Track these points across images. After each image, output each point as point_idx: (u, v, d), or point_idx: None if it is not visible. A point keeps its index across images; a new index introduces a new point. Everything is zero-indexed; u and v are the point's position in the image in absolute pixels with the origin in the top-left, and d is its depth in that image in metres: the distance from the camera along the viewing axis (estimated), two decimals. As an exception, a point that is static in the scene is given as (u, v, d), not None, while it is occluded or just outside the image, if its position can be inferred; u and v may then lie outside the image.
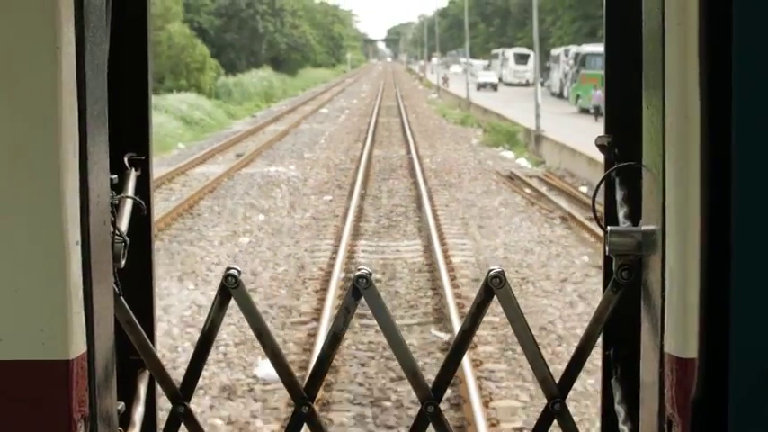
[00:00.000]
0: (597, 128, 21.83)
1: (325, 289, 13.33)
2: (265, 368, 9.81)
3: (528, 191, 23.45)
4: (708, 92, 1.90)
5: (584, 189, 23.16)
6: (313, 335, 11.19)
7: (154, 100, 14.22)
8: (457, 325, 11.21)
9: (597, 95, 43.39)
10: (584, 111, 49.59)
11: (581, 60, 56.73)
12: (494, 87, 76.19)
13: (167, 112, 40.74)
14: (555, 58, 68.69)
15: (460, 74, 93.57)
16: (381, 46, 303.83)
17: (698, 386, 1.92)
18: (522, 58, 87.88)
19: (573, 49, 62.27)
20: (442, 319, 12.00)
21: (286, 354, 9.91)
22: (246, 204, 21.02)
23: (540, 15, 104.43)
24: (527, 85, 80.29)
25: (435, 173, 26.69)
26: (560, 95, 62.43)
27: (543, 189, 23.49)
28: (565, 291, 13.50)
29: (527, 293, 13.27)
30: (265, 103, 61.81)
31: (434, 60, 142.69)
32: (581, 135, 29.45)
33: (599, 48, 56.53)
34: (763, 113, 1.84)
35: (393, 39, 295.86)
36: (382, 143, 35.62)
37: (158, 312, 12.02)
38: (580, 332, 13.52)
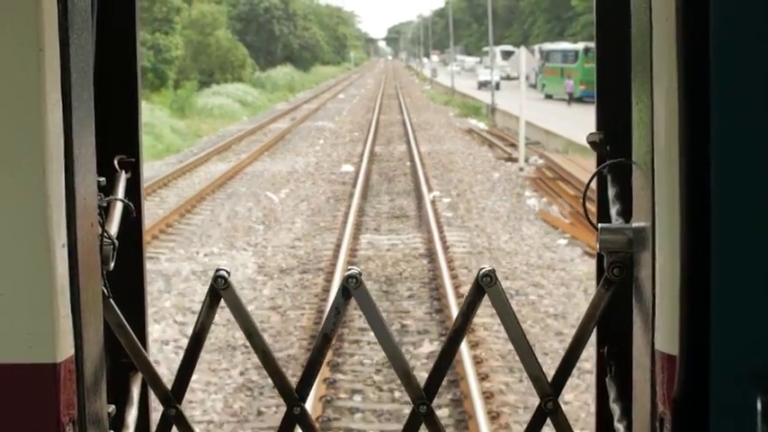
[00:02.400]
0: (543, 106, 41.86)
1: (365, 143, 30.35)
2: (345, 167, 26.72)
3: (474, 135, 40.30)
4: (688, 88, 1.88)
5: (504, 132, 40.01)
6: (362, 147, 27.99)
7: (214, 88, 43.03)
8: (414, 149, 28.66)
9: (570, 84, 58.25)
10: (549, 96, 63.87)
11: (545, 56, 72.94)
12: (495, 86, 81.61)
13: (228, 97, 57.43)
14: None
15: (460, 72, 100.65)
16: (382, 44, 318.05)
17: (680, 384, 1.91)
18: (507, 55, 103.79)
19: (538, 47, 78.66)
20: (412, 158, 28.90)
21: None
22: (311, 137, 38.11)
23: (521, 17, 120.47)
24: (509, 78, 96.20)
25: (418, 125, 43.71)
26: (534, 86, 77.87)
27: (483, 134, 40.24)
28: (465, 156, 30.52)
29: (455, 162, 30.12)
30: (291, 93, 78.74)
31: (434, 58, 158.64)
32: (533, 111, 46.07)
33: (559, 45, 73.00)
34: (742, 109, 1.84)
35: (393, 38, 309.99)
36: (385, 113, 52.62)
37: (295, 163, 32.13)
38: (469, 155, 33.07)
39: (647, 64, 2.05)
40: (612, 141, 2.78)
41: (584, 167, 23.48)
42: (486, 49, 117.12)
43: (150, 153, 30.90)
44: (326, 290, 13.61)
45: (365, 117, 48.99)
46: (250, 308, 13.57)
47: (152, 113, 38.17)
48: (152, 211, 19.78)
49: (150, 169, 26.08)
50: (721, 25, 1.84)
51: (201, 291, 13.63)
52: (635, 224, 2.29)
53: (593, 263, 14.52)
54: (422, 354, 11.07)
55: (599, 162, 2.84)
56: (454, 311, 12.05)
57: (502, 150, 32.75)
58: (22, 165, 1.99)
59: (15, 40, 1.98)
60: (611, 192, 2.69)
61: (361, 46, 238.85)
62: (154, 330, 11.83)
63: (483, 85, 76.15)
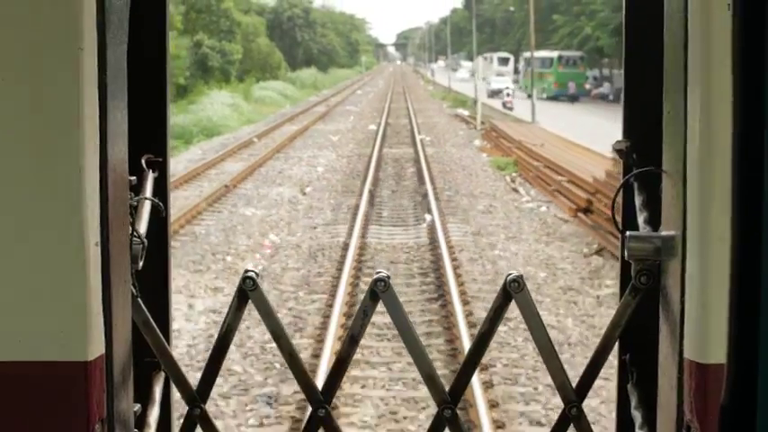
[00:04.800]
0: (522, 102, 63.71)
1: (381, 117, 48.97)
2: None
3: (458, 118, 58.95)
4: (738, 97, 1.83)
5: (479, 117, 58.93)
6: (382, 106, 46.61)
7: (265, 84, 72.07)
8: (414, 121, 47.81)
9: (554, 87, 77.60)
10: (529, 96, 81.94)
11: (527, 62, 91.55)
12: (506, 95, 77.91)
13: (272, 91, 76.11)
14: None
15: (468, 78, 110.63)
16: (391, 50, 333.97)
17: (726, 393, 1.89)
18: (503, 60, 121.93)
19: (523, 54, 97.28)
20: (411, 125, 47.54)
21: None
22: (344, 114, 57.00)
23: (515, 27, 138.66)
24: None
25: (418, 110, 62.58)
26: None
27: (463, 116, 58.79)
28: (447, 128, 49.28)
29: (438, 126, 48.74)
30: (316, 90, 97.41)
31: (441, 63, 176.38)
32: (491, 100, 64.55)
33: (539, 53, 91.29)
34: None
35: (402, 43, 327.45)
36: (394, 102, 71.53)
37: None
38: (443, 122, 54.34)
39: (681, 73, 2.05)
40: (639, 150, 2.75)
41: (512, 128, 42.02)
42: (485, 55, 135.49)
43: (238, 122, 49.61)
44: (370, 157, 32.23)
45: (380, 105, 67.86)
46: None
47: (232, 98, 56.75)
48: (269, 146, 38.35)
49: (247, 131, 44.98)
50: None
51: (306, 168, 32.06)
52: (664, 232, 2.30)
53: (486, 159, 34.65)
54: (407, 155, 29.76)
55: (625, 170, 2.81)
56: (423, 163, 30.94)
57: (471, 123, 51.31)
58: (59, 163, 2.02)
59: (56, 39, 2.00)
60: (637, 200, 2.66)
61: (371, 51, 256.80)
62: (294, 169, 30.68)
63: (495, 93, 76.61)
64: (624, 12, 2.91)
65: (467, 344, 10.94)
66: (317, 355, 11.00)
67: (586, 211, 21.27)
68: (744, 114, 1.82)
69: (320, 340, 11.70)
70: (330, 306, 13.34)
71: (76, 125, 2.02)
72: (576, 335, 12.65)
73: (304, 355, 11.35)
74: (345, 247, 17.51)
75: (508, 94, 66.99)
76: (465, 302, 13.47)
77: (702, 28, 1.96)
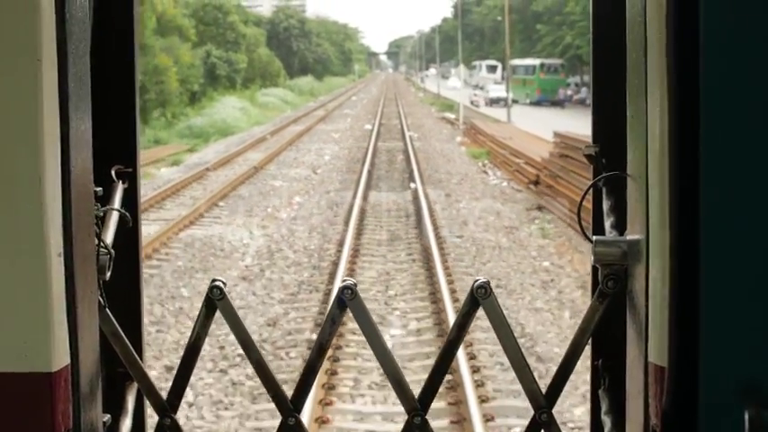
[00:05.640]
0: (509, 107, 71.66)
1: (375, 118, 56.22)
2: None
3: (444, 120, 65.97)
4: (679, 100, 1.92)
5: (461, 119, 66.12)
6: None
7: (266, 91, 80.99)
8: (404, 122, 55.11)
9: (539, 94, 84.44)
10: (515, 101, 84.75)
11: (512, 69, 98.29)
12: (506, 103, 78.30)
13: (274, 97, 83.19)
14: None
15: (459, 87, 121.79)
16: (383, 58, 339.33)
17: (669, 395, 1.95)
18: (491, 68, 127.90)
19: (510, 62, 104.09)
20: (402, 125, 54.74)
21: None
22: (341, 117, 64.13)
23: (502, 36, 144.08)
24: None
25: (408, 113, 69.74)
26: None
27: (448, 118, 65.81)
28: (433, 128, 56.48)
29: (425, 126, 55.93)
30: (313, 97, 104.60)
31: (432, 70, 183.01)
32: (490, 109, 71.28)
33: (523, 61, 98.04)
34: (733, 123, 1.88)
35: (394, 51, 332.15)
36: (387, 107, 78.66)
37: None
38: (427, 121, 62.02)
39: (642, 77, 2.08)
40: (608, 154, 2.77)
41: (490, 126, 49.09)
42: (473, 63, 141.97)
43: (248, 124, 56.73)
44: (367, 148, 39.26)
45: (374, 109, 75.08)
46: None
47: (241, 103, 63.78)
48: (281, 141, 45.34)
49: (258, 130, 52.11)
50: (711, 37, 1.85)
51: (315, 156, 39.21)
52: (629, 237, 2.32)
53: (463, 150, 41.73)
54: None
55: (595, 174, 2.84)
56: (411, 153, 37.98)
57: (455, 124, 58.43)
58: (18, 174, 2.02)
59: (13, 49, 2.00)
60: (605, 204, 2.69)
61: (364, 59, 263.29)
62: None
63: (494, 102, 78.49)
64: (591, 18, 2.96)
65: (434, 244, 18.10)
66: (338, 254, 18.07)
67: (536, 183, 28.27)
68: (678, 120, 1.90)
69: (341, 243, 18.83)
70: (346, 227, 20.54)
71: (35, 136, 2.02)
72: (506, 243, 19.72)
73: (330, 247, 18.51)
74: (352, 203, 24.57)
75: (476, 95, 74.34)
76: (435, 227, 20.60)
77: (658, 33, 1.98)
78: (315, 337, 13.20)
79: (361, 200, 25.12)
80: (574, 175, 24.54)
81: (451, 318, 12.96)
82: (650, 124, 2.04)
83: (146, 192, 25.51)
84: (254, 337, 12.52)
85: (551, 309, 14.51)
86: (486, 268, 17.12)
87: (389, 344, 12.25)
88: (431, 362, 11.92)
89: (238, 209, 24.01)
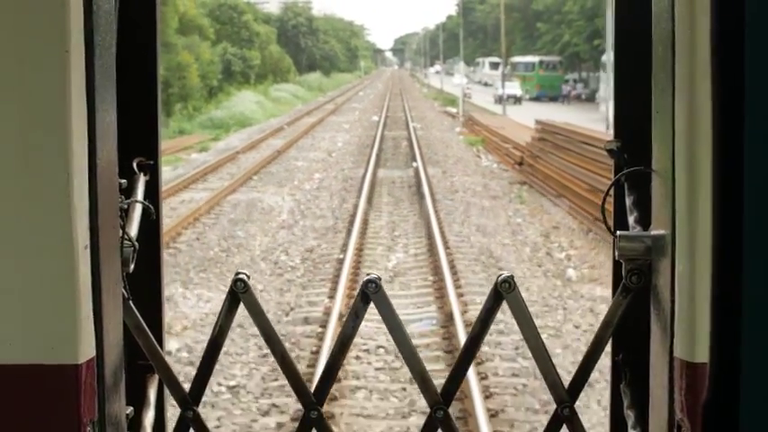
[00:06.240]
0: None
1: (382, 111, 61.33)
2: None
3: (445, 113, 71.02)
4: (719, 96, 1.90)
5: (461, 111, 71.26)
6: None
7: (278, 86, 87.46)
8: (408, 115, 60.47)
9: (538, 90, 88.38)
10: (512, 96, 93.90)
11: (513, 66, 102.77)
12: (517, 100, 78.83)
13: (285, 92, 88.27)
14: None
15: (462, 84, 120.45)
16: (389, 55, 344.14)
17: (709, 390, 1.95)
18: (494, 65, 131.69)
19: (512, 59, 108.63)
20: (406, 117, 59.82)
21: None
22: (350, 110, 69.34)
23: (505, 33, 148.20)
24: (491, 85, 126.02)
25: (412, 107, 74.86)
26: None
27: (450, 111, 70.80)
28: (435, 120, 61.58)
29: (427, 118, 61.04)
30: (321, 92, 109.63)
31: (437, 67, 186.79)
32: (490, 104, 76.24)
33: (523, 58, 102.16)
34: None
35: (399, 48, 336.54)
36: (392, 100, 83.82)
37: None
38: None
39: (669, 72, 2.06)
40: (630, 149, 2.76)
41: (487, 118, 54.17)
42: (477, 60, 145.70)
43: (264, 116, 61.85)
44: (374, 136, 44.39)
45: (380, 103, 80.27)
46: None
47: (256, 97, 68.86)
48: (297, 131, 50.38)
49: (274, 122, 57.37)
50: (753, 31, 1.82)
51: (329, 142, 44.26)
52: (654, 232, 2.32)
53: (461, 139, 46.90)
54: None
55: (616, 170, 2.82)
56: (414, 140, 43.06)
57: (456, 117, 63.55)
58: (46, 166, 2.03)
59: (42, 40, 2.00)
60: (628, 199, 2.69)
61: (369, 56, 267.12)
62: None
63: (509, 98, 77.32)
64: (614, 10, 2.91)
65: (430, 207, 23.29)
66: (352, 208, 23.23)
67: (520, 163, 33.32)
68: (723, 114, 1.88)
69: (356, 204, 24.02)
70: (360, 193, 25.79)
71: (63, 128, 2.02)
72: (488, 205, 24.91)
73: (348, 207, 23.68)
74: (364, 177, 29.73)
75: (469, 87, 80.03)
76: (432, 195, 25.78)
77: (688, 29, 1.96)
78: (339, 256, 16.91)
79: (372, 175, 30.26)
80: (550, 155, 29.58)
81: (439, 244, 18.17)
82: (678, 120, 2.01)
83: (187, 171, 30.83)
84: (298, 259, 17.79)
85: (515, 244, 19.66)
86: (469, 219, 22.25)
87: (393, 261, 17.47)
88: (420, 263, 17.13)
89: (270, 181, 29.33)
